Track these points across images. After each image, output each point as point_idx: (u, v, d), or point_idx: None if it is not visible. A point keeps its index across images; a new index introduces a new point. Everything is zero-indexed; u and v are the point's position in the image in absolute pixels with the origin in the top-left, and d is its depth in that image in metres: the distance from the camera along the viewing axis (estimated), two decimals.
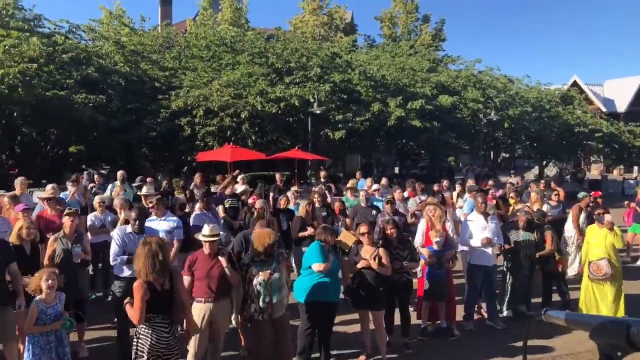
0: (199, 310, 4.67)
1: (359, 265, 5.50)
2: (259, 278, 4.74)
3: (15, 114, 14.71)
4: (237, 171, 10.57)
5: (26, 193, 9.16)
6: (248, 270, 4.84)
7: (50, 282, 4.12)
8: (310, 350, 5.42)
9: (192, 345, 4.69)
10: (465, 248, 6.84)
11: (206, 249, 4.73)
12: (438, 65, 27.29)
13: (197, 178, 11.23)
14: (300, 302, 5.31)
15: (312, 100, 17.11)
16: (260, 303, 4.73)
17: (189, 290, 4.65)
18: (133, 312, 3.80)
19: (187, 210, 7.77)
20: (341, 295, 5.76)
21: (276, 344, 4.99)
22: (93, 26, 22.36)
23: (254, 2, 73.43)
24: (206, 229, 4.79)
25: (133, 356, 3.93)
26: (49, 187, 8.30)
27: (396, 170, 30.91)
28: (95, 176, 11.89)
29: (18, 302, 4.67)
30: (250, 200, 8.55)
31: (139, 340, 3.88)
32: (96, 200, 7.56)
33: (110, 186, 10.79)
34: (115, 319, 5.46)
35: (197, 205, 7.78)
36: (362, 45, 31.66)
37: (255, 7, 59.80)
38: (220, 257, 4.69)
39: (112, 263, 5.26)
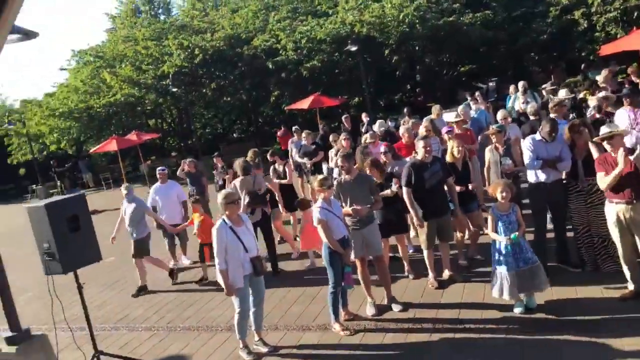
0: None
1: None
2: None
3: (417, 48, 16.68)
4: None
5: (441, 117, 10.36)
6: None
7: (504, 194, 4.70)
8: None
9: None
10: None
11: None
12: None
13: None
14: None
15: None
16: None
17: None
18: None
19: None
20: None
21: None
22: None
23: None
24: None
25: None
26: (460, 108, 9.15)
27: None
28: (477, 93, 11.81)
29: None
30: None
31: None
32: (499, 114, 7.90)
33: (513, 97, 10.97)
34: None
35: None
36: None
37: None
38: None
39: (528, 169, 5.42)
